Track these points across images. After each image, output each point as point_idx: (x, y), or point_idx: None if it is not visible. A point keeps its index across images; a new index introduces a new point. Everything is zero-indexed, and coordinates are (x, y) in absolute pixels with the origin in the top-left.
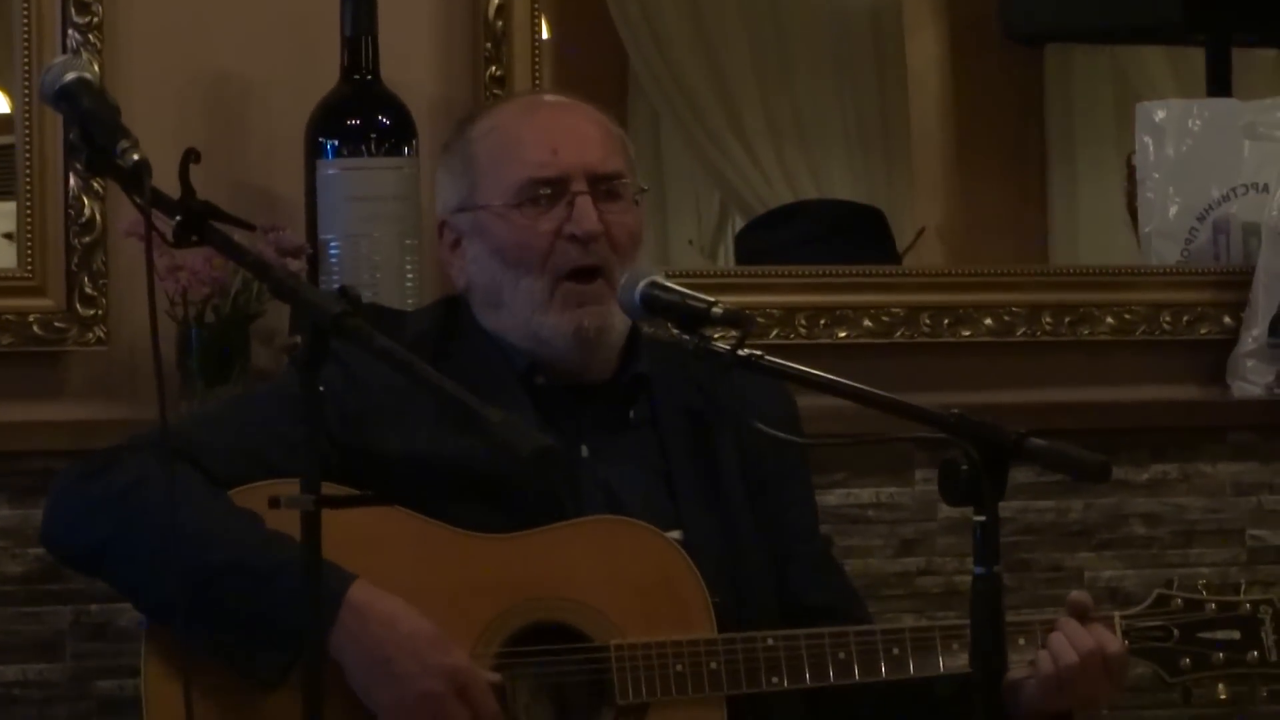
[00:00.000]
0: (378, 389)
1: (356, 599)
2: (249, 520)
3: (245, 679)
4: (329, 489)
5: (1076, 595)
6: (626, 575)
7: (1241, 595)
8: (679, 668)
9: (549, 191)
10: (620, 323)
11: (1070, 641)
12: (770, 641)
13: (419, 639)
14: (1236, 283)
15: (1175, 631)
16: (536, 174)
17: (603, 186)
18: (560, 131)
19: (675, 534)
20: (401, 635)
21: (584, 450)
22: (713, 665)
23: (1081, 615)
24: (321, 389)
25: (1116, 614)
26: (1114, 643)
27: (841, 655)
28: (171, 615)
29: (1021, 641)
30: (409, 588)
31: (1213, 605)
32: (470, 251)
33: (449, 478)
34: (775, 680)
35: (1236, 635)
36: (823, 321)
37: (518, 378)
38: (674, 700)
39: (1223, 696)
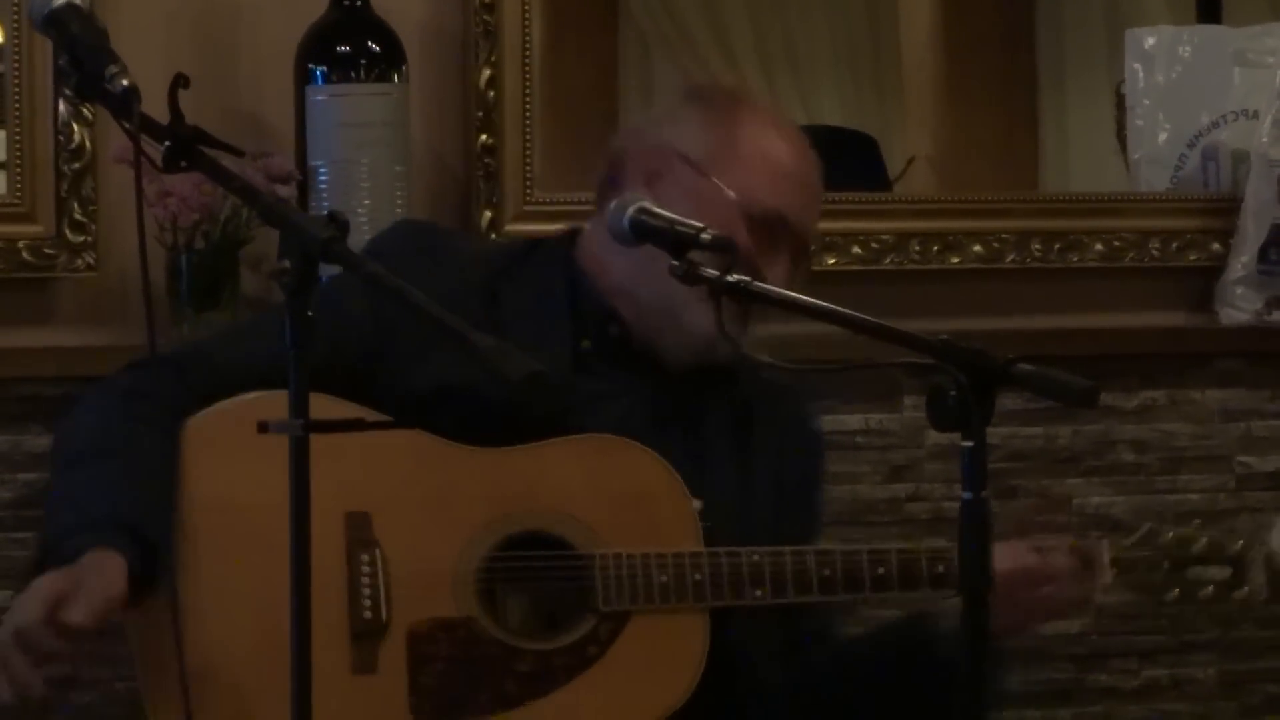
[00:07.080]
0: (402, 327)
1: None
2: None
3: None
4: (321, 401)
5: (1023, 509)
6: (616, 490)
7: (1235, 534)
8: (663, 578)
9: (772, 228)
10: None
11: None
12: (755, 557)
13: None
14: (1225, 210)
15: (1165, 564)
16: (784, 213)
17: (800, 258)
18: (812, 195)
19: (696, 504)
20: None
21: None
22: (696, 577)
23: (1022, 528)
24: (346, 319)
25: (1105, 543)
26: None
27: (826, 572)
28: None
29: None
30: (397, 493)
31: (1204, 540)
32: (663, 198)
33: (463, 407)
34: (759, 593)
35: (1227, 572)
36: (811, 248)
37: (572, 330)
38: (656, 609)
39: (1210, 630)
